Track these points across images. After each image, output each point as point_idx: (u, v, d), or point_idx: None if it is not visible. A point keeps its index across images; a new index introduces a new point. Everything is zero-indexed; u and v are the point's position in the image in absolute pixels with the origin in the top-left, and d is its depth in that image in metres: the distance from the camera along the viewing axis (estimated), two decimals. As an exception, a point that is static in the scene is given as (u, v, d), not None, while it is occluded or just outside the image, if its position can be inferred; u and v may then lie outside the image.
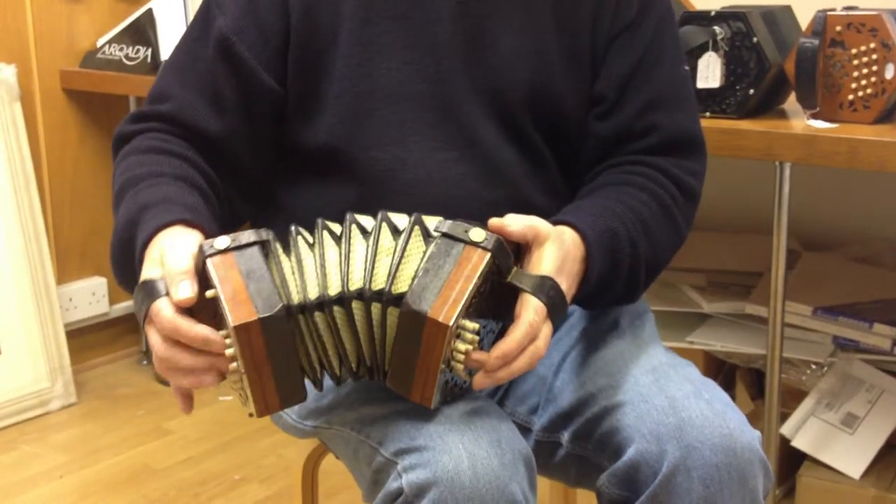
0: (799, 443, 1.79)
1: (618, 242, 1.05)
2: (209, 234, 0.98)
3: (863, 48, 1.52)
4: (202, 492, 2.04)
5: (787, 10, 1.72)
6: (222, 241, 0.93)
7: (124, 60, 2.41)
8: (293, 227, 0.98)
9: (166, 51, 2.35)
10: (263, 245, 0.94)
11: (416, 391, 0.94)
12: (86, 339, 2.62)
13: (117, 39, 2.45)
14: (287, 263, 0.95)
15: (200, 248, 0.94)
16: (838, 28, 1.53)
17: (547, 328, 0.96)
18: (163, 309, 0.92)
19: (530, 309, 0.94)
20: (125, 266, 1.03)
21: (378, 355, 0.96)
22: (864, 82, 1.53)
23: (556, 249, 0.99)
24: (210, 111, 1.12)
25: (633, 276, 1.09)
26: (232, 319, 0.89)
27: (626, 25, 1.15)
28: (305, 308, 0.93)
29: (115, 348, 2.70)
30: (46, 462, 2.17)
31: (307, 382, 0.97)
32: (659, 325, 1.20)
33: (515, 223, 0.98)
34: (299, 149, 1.16)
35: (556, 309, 0.96)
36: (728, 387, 1.96)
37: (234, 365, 0.91)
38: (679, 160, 1.15)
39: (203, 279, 0.93)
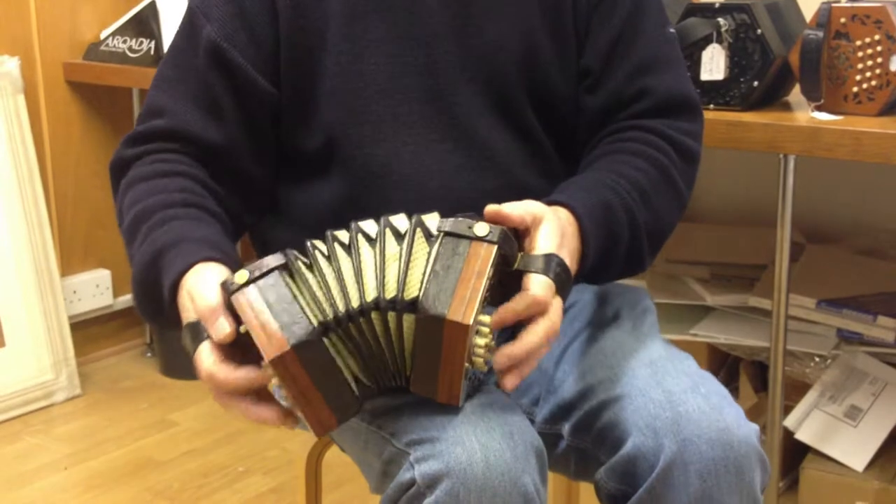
0: (802, 435, 1.79)
1: (613, 214, 1.05)
2: (230, 263, 0.98)
3: (867, 40, 1.51)
4: (206, 484, 2.04)
5: (792, 1, 1.71)
6: (242, 275, 0.92)
7: (128, 53, 2.41)
8: (308, 242, 0.96)
9: (170, 43, 2.34)
10: (284, 268, 0.92)
11: (443, 393, 0.94)
12: (90, 331, 2.63)
13: (121, 32, 2.45)
14: (313, 280, 0.93)
15: (223, 285, 0.93)
16: (843, 20, 1.53)
17: (557, 304, 0.95)
18: (201, 360, 0.92)
19: (535, 284, 0.94)
20: (151, 307, 1.03)
21: (399, 363, 0.96)
22: (868, 74, 1.52)
23: (553, 227, 0.98)
24: (208, 121, 1.11)
25: (635, 245, 1.08)
26: (266, 354, 0.88)
27: None
28: (339, 322, 0.92)
29: (119, 340, 2.71)
30: (51, 454, 2.18)
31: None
32: (662, 318, 1.20)
33: (513, 209, 0.97)
34: (295, 149, 1.15)
35: (562, 284, 0.96)
36: (732, 379, 1.96)
37: (282, 392, 0.90)
38: (674, 121, 1.15)
39: (235, 313, 0.92)
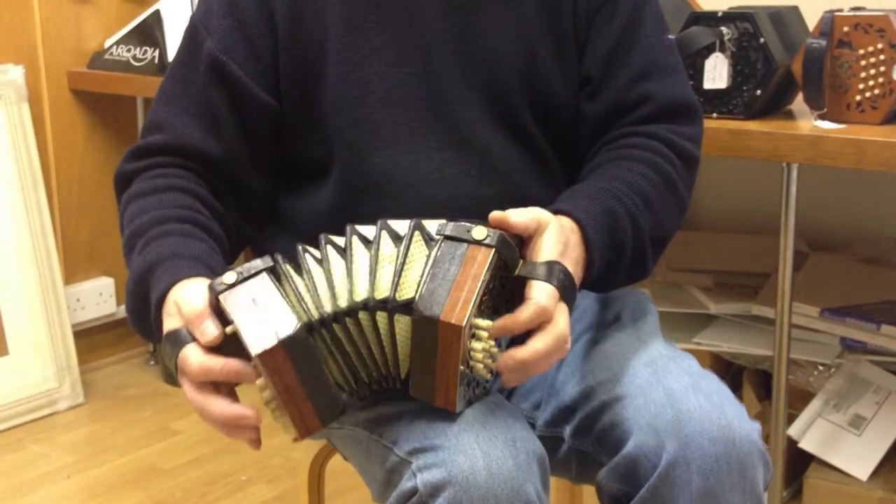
0: (806, 444, 1.78)
1: (617, 221, 1.05)
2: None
3: (870, 49, 1.52)
4: (209, 492, 2.04)
5: (795, 10, 1.71)
6: (230, 276, 0.93)
7: (132, 61, 2.42)
8: (300, 246, 0.97)
9: (173, 51, 2.35)
10: (271, 270, 0.94)
11: (440, 397, 0.94)
12: (93, 339, 2.63)
13: (125, 40, 2.45)
14: (301, 282, 0.95)
15: (210, 287, 0.94)
16: (846, 28, 1.53)
17: (562, 311, 0.95)
18: (190, 355, 0.92)
19: (540, 292, 0.94)
20: (141, 319, 1.04)
21: (391, 365, 0.96)
22: (871, 83, 1.52)
23: (556, 234, 0.99)
24: (208, 135, 1.12)
25: (640, 251, 1.08)
26: (254, 348, 0.89)
27: (604, 1, 1.15)
28: (323, 323, 0.93)
29: (122, 348, 2.71)
30: (54, 462, 2.18)
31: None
32: (665, 326, 1.20)
33: (518, 215, 0.98)
34: (297, 159, 1.16)
35: (567, 291, 0.96)
36: (735, 388, 1.95)
37: (266, 394, 0.91)
38: (675, 126, 1.15)
39: (221, 317, 0.93)
